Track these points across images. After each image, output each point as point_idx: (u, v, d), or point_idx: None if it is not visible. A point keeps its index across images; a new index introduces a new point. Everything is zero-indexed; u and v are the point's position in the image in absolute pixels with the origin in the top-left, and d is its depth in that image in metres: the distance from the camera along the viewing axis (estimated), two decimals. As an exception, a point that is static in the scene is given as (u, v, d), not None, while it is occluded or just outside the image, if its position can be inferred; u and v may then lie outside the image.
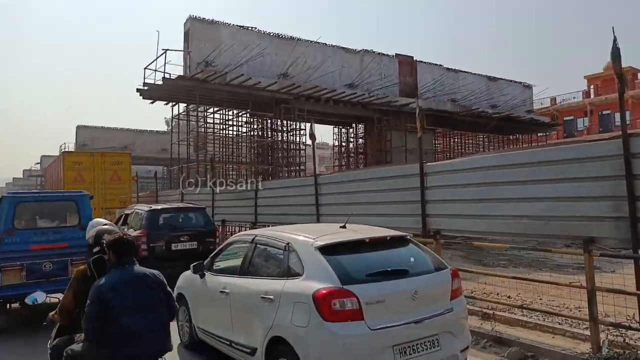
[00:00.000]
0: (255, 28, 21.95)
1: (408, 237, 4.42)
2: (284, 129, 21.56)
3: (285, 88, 20.68)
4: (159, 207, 9.61)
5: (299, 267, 3.88)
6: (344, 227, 4.45)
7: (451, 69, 29.10)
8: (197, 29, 20.42)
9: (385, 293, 3.62)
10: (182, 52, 20.57)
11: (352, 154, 27.27)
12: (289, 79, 21.44)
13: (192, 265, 5.39)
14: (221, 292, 4.67)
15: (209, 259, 5.39)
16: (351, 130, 27.41)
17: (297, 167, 22.02)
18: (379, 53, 25.87)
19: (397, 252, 4.17)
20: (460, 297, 4.17)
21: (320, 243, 3.90)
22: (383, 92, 24.74)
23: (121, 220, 10.55)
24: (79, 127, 45.13)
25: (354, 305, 3.46)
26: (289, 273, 3.97)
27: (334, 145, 27.98)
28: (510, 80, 32.67)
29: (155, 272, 3.25)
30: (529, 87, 33.99)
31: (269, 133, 22.49)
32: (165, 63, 18.52)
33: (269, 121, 22.62)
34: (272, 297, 3.91)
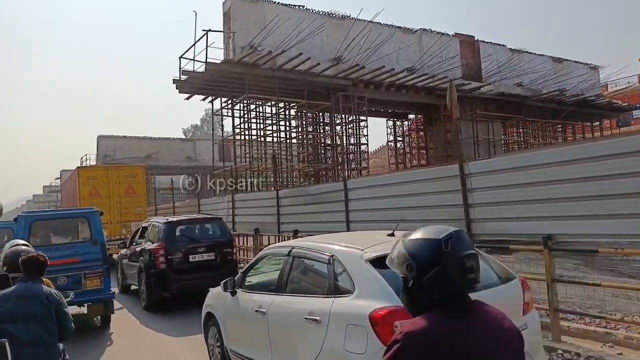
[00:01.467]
0: (303, 6, 19.00)
1: None
2: (341, 121, 18.39)
3: (342, 72, 17.62)
4: (176, 219, 9.43)
5: (348, 282, 3.33)
6: (392, 234, 3.73)
7: (515, 49, 25.74)
8: (238, 8, 17.53)
9: None
10: (223, 37, 17.71)
11: (410, 150, 23.97)
12: (343, 64, 18.39)
13: (222, 282, 4.84)
14: (256, 311, 4.11)
15: (240, 274, 4.84)
16: (406, 122, 24.15)
17: (358, 165, 18.81)
18: (438, 32, 22.69)
19: None
20: (533, 311, 3.62)
21: (371, 254, 3.31)
22: (445, 75, 21.52)
23: (138, 233, 10.13)
24: (100, 137, 43.09)
25: None
26: (336, 290, 3.41)
27: (389, 141, 24.69)
28: (576, 62, 29.11)
29: (55, 291, 3.33)
30: (595, 68, 30.33)
31: (323, 128, 19.38)
32: (207, 46, 15.58)
33: (321, 115, 19.56)
34: (318, 318, 3.35)
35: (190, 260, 8.50)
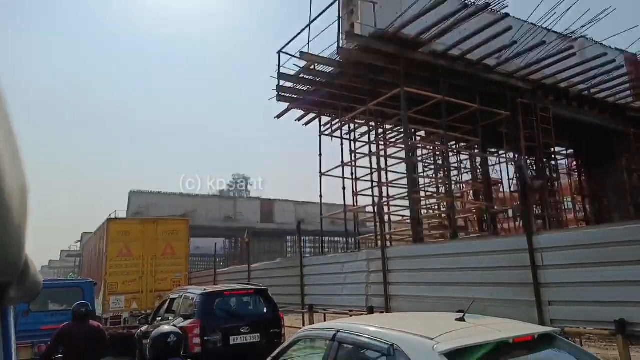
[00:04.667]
0: (447, -10, 13.76)
1: (553, 333, 3.13)
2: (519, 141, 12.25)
3: (522, 70, 11.84)
4: (212, 290, 8.02)
5: None
6: (462, 319, 3.05)
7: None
8: (367, -17, 12.31)
9: None
10: (339, 24, 12.35)
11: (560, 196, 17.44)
12: (511, 63, 12.76)
13: None
14: None
15: None
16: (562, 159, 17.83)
17: (550, 211, 12.34)
18: (599, 43, 17.23)
19: (547, 355, 2.94)
20: None
21: (446, 347, 2.55)
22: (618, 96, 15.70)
23: (164, 306, 8.77)
24: (132, 193, 38.40)
25: None
26: None
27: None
28: None
29: None
30: None
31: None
32: (339, 17, 10.01)
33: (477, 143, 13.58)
34: None
35: (232, 342, 7.24)
